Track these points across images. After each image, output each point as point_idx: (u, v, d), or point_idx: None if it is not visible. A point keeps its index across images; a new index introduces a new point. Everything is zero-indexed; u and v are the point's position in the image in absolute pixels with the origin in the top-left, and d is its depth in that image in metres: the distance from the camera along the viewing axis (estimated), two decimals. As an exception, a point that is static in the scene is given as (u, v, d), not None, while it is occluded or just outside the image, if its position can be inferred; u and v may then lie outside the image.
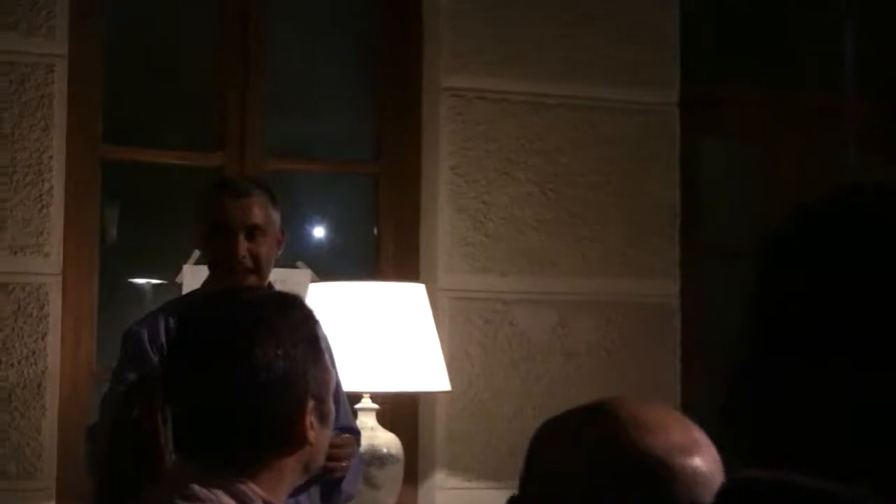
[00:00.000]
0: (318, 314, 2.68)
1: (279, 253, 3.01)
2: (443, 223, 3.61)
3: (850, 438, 0.81)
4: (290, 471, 1.78)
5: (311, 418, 1.71)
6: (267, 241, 2.89)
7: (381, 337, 3.28)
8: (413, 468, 3.51)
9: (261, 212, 2.87)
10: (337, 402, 2.90)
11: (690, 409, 3.15)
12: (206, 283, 3.03)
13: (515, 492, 1.31)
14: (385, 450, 3.22)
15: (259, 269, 2.88)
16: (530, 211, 3.69)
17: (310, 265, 3.59)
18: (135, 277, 3.97)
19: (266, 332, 1.70)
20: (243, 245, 2.84)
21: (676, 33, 3.89)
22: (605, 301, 3.75)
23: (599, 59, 3.80)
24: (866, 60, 4.25)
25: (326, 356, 1.82)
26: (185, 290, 3.42)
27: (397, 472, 3.32)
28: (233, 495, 1.68)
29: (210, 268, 2.96)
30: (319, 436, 1.76)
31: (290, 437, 1.70)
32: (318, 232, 4.40)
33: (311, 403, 1.71)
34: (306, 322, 1.77)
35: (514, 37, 3.76)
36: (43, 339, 3.38)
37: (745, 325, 0.88)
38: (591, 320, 3.71)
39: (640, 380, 3.64)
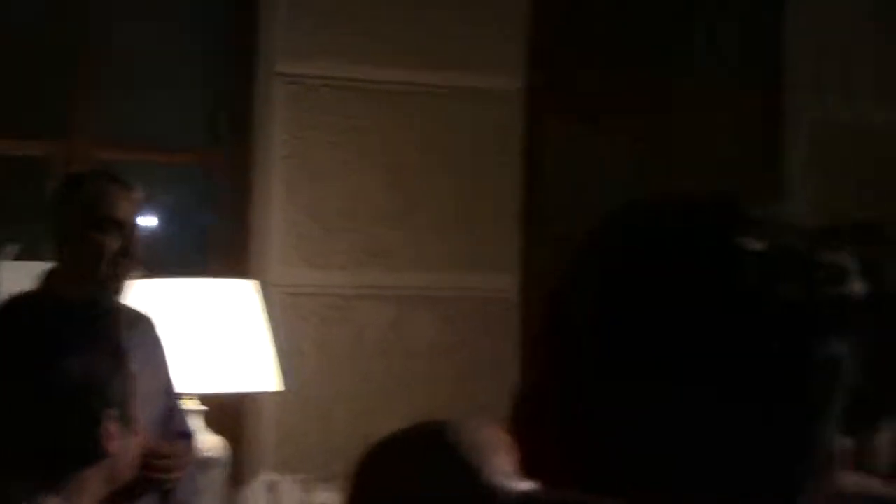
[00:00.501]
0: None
1: None
2: (276, 216, 3.56)
3: (617, 454, 0.83)
4: (92, 482, 1.79)
5: (112, 426, 1.74)
6: None
7: (208, 336, 3.24)
8: (240, 472, 3.48)
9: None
10: (172, 406, 2.97)
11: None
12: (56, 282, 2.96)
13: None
14: (208, 453, 3.19)
15: None
16: (370, 203, 3.66)
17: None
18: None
19: (86, 337, 1.76)
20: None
21: (524, 16, 3.88)
22: (445, 296, 3.75)
23: (442, 42, 3.78)
24: (729, 45, 4.33)
25: (132, 364, 1.83)
26: (3, 286, 3.30)
27: (220, 476, 3.29)
28: None
29: (70, 265, 2.89)
30: (122, 445, 1.78)
31: (91, 446, 1.74)
32: (148, 223, 4.35)
33: (112, 410, 1.75)
34: (105, 331, 1.81)
35: (354, 21, 3.71)
36: None
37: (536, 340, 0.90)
38: (429, 316, 3.71)
39: (479, 377, 3.65)
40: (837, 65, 4.39)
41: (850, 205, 3.84)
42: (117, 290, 2.87)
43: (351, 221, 3.68)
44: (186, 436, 3.03)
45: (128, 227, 2.87)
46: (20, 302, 2.21)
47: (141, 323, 2.91)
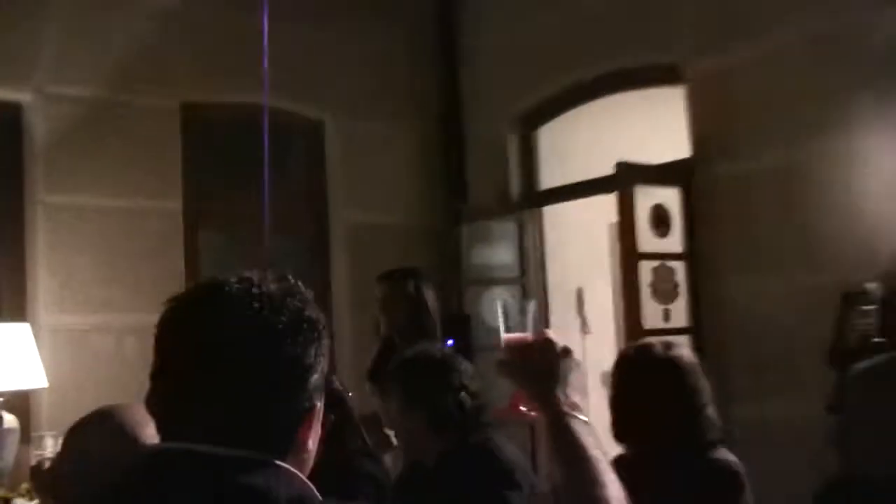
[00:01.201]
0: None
1: None
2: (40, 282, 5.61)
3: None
4: None
5: None
6: None
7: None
8: (26, 433, 5.23)
9: None
10: None
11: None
12: None
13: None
14: (7, 425, 4.93)
15: None
16: (97, 273, 5.74)
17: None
18: None
19: None
20: None
21: (179, 163, 6.09)
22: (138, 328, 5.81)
23: (131, 180, 5.90)
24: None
25: None
26: None
27: (14, 437, 4.96)
28: None
29: None
30: None
31: None
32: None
33: None
34: None
35: (91, 165, 5.74)
36: None
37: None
38: (135, 339, 5.68)
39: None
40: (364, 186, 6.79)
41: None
42: None
43: (84, 287, 5.68)
44: None
45: None
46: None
47: None
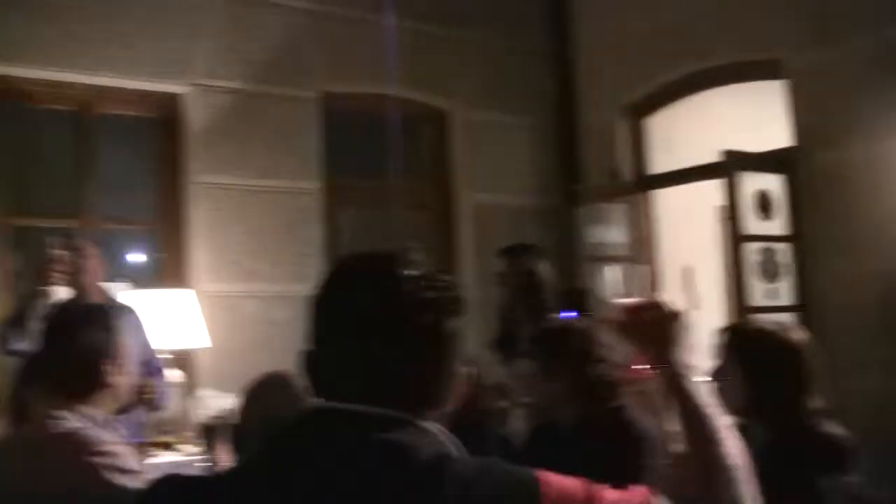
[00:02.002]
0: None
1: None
2: (201, 254, 6.19)
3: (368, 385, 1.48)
4: (104, 399, 2.61)
5: (111, 370, 2.60)
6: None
7: (168, 317, 5.35)
8: (189, 389, 5.78)
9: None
10: (150, 354, 4.62)
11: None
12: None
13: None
14: (172, 379, 5.29)
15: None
16: (246, 246, 6.29)
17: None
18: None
19: (82, 322, 2.59)
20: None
21: (318, 147, 6.61)
22: (286, 296, 6.22)
23: (276, 164, 6.47)
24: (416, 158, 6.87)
25: (122, 335, 2.63)
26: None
27: (178, 391, 5.40)
28: (74, 412, 2.53)
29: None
30: (119, 380, 2.62)
31: (99, 381, 2.59)
32: (133, 258, 6.80)
33: (109, 361, 2.59)
34: (105, 318, 2.64)
35: (239, 149, 6.32)
36: None
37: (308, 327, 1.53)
38: (279, 307, 6.27)
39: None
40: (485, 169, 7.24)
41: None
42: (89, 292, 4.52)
43: (236, 258, 6.22)
44: (160, 371, 4.78)
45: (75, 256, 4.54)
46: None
47: (129, 312, 4.11)
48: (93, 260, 4.73)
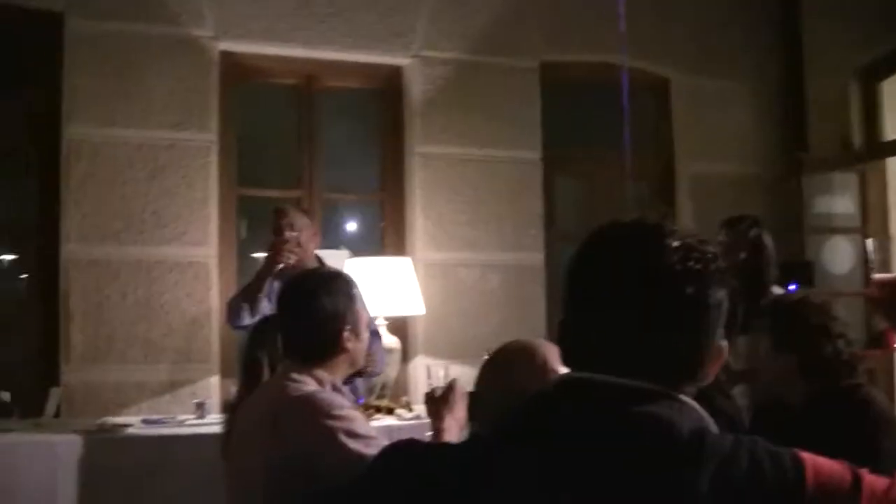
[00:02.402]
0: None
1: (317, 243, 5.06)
2: (418, 224, 6.35)
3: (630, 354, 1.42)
4: (340, 364, 2.73)
5: (349, 335, 2.72)
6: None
7: (387, 285, 5.52)
8: (407, 356, 6.01)
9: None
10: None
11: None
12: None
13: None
14: (390, 345, 5.44)
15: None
16: (464, 215, 6.42)
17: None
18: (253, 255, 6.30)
19: (324, 289, 2.72)
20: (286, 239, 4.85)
21: (538, 116, 6.67)
22: (503, 265, 6.39)
23: (500, 134, 6.53)
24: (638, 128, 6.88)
25: (358, 302, 2.76)
26: None
27: (396, 358, 5.40)
28: (311, 376, 2.66)
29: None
30: (355, 345, 2.74)
31: (337, 346, 2.70)
32: (351, 227, 7.15)
33: (348, 327, 2.72)
34: (345, 285, 2.78)
35: (459, 119, 6.45)
36: (209, 290, 5.87)
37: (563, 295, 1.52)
38: (496, 275, 6.35)
39: (519, 312, 6.29)
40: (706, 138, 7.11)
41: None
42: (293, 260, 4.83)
43: (453, 227, 6.37)
44: (378, 336, 5.02)
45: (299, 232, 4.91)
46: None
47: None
48: (314, 233, 5.07)
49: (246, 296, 4.96)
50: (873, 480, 1.36)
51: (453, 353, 5.81)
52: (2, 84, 5.85)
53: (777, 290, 4.97)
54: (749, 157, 7.17)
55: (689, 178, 7.13)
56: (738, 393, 4.64)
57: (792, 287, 5.48)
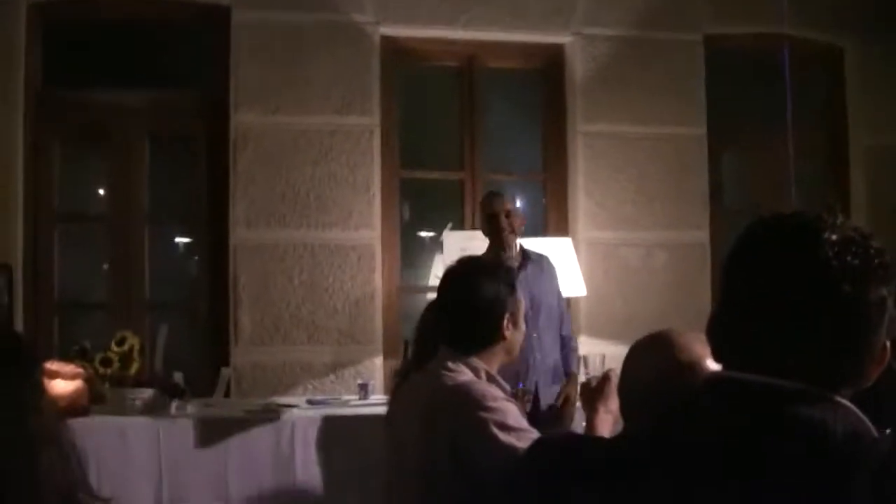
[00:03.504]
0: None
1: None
2: (579, 204, 6.32)
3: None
4: (498, 353, 2.72)
5: (508, 324, 2.71)
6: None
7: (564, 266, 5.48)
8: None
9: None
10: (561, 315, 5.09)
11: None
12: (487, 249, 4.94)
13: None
14: None
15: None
16: (627, 194, 6.34)
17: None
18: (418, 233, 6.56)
19: (485, 276, 2.74)
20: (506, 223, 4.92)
21: (703, 91, 6.51)
22: (667, 244, 6.29)
23: (661, 113, 6.40)
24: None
25: (518, 291, 2.76)
26: (446, 247, 5.62)
27: None
28: (467, 365, 2.66)
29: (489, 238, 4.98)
30: (513, 334, 2.73)
31: (496, 334, 2.70)
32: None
33: (507, 315, 2.71)
34: (505, 273, 2.82)
35: (621, 96, 6.38)
36: (372, 272, 5.98)
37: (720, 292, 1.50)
38: (661, 254, 6.24)
39: (681, 291, 6.19)
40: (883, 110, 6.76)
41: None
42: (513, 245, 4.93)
43: (616, 206, 6.30)
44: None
45: (510, 214, 4.94)
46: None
47: (544, 259, 5.09)
48: (523, 220, 5.09)
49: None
50: None
51: (616, 334, 5.75)
52: (174, 75, 6.11)
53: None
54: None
55: (865, 151, 6.84)
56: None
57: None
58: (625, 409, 2.03)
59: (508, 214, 4.98)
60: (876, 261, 1.40)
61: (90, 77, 6.01)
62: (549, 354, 4.98)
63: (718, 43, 6.61)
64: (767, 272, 1.42)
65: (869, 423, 1.38)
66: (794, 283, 1.39)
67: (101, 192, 6.25)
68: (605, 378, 2.67)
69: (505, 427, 2.44)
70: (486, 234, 5.06)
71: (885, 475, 1.29)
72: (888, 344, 1.43)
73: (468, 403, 2.49)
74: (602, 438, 1.96)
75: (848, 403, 1.40)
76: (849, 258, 1.38)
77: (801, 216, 1.45)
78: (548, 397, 4.86)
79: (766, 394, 1.38)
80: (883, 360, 1.43)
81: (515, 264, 4.85)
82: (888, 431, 1.37)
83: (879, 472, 1.29)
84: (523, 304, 2.79)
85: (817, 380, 1.38)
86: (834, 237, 1.39)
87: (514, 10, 6.31)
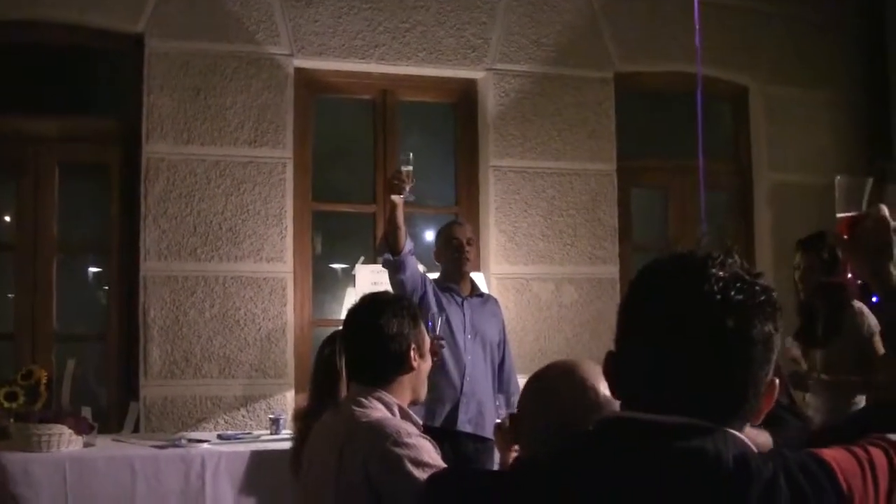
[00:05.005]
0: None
1: None
2: (491, 239, 6.37)
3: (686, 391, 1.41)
4: (406, 386, 2.76)
5: (415, 355, 2.75)
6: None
7: None
8: None
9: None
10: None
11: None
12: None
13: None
14: None
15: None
16: (538, 229, 6.41)
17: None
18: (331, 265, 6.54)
19: (389, 311, 2.75)
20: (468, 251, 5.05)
21: (613, 128, 6.64)
22: (576, 278, 6.41)
23: (574, 149, 6.52)
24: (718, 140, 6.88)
25: (421, 325, 2.82)
26: (358, 280, 5.75)
27: None
28: (379, 400, 2.69)
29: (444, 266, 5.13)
30: (421, 364, 2.78)
31: (404, 364, 2.74)
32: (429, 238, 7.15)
33: (413, 347, 2.75)
34: (408, 306, 2.83)
35: (533, 132, 6.46)
36: (284, 305, 5.94)
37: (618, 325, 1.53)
38: (569, 288, 6.40)
39: (590, 325, 6.39)
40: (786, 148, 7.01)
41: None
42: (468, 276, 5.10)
43: (527, 240, 6.36)
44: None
45: (471, 243, 5.07)
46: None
47: (490, 298, 5.30)
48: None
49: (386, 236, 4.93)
50: (874, 454, 1.45)
51: (527, 369, 5.45)
52: (86, 103, 6.02)
53: (858, 304, 4.91)
54: (830, 166, 6.97)
55: (768, 188, 7.04)
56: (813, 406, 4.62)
57: (875, 300, 5.32)
58: (523, 440, 2.07)
59: (470, 243, 5.12)
60: (762, 297, 1.43)
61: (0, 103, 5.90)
62: (479, 381, 5.07)
63: (628, 80, 6.76)
64: (656, 308, 1.45)
65: (752, 447, 1.44)
66: (680, 319, 1.42)
67: (8, 219, 6.12)
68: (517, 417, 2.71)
69: (419, 463, 2.46)
70: (443, 261, 5.14)
71: (774, 490, 1.36)
72: (776, 380, 1.47)
73: (383, 439, 2.50)
74: (497, 473, 1.98)
75: (736, 433, 1.43)
76: (733, 293, 1.41)
77: (691, 254, 1.48)
78: (472, 416, 5.02)
79: (656, 431, 1.41)
80: (771, 396, 1.47)
81: (465, 293, 5.04)
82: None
83: (769, 489, 1.36)
84: (428, 339, 2.82)
85: (708, 414, 1.41)
86: (721, 273, 1.43)
87: (428, 45, 6.38)
